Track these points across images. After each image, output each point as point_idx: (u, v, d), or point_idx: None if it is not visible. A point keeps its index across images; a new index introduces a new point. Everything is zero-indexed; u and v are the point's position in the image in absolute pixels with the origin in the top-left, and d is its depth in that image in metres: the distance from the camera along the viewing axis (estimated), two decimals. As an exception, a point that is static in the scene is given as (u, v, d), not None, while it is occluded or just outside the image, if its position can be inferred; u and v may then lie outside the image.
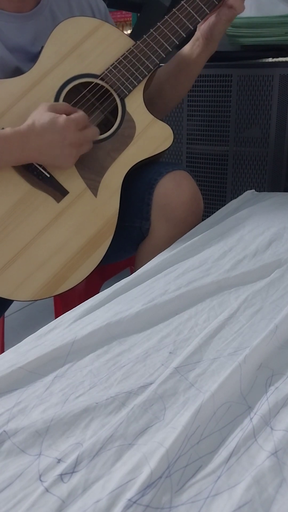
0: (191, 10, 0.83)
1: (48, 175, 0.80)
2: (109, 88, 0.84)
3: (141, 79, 0.84)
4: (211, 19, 0.85)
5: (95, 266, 0.82)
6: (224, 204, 0.97)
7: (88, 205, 0.82)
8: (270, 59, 1.14)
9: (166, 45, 0.84)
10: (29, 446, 0.39)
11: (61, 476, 0.35)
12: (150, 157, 0.85)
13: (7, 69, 0.82)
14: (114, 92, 0.84)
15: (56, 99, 0.82)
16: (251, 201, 0.97)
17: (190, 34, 0.87)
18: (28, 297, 0.80)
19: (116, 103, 0.84)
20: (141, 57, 0.83)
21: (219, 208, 0.94)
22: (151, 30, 0.83)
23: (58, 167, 0.80)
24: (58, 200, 0.81)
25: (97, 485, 0.35)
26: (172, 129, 0.85)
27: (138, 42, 0.84)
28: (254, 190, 1.04)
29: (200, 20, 0.84)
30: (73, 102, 0.82)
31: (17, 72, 0.82)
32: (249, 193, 1.00)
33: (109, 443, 0.38)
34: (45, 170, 0.80)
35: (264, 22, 1.13)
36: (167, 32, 0.83)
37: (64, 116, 0.75)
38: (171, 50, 0.84)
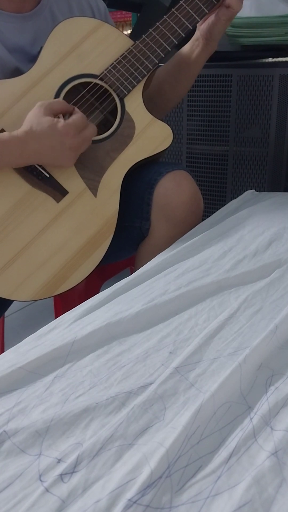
0: (190, 10, 0.83)
1: (48, 175, 0.80)
2: (108, 88, 0.84)
3: (141, 79, 0.84)
4: (211, 18, 0.85)
5: (95, 266, 0.82)
6: (224, 204, 0.97)
7: (88, 205, 0.82)
8: (270, 59, 1.14)
9: (165, 45, 0.84)
10: (29, 446, 0.39)
11: (61, 476, 0.35)
12: (149, 156, 0.85)
13: (7, 70, 0.82)
14: (113, 92, 0.84)
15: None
16: (251, 201, 0.97)
17: (190, 34, 0.87)
18: (28, 297, 0.80)
19: (116, 103, 0.84)
20: (140, 57, 0.83)
21: (219, 208, 0.94)
22: (150, 30, 0.83)
23: (58, 167, 0.80)
24: (58, 200, 0.81)
25: (97, 485, 0.34)
26: (172, 129, 0.85)
27: (137, 42, 0.84)
28: (254, 190, 1.04)
29: (199, 20, 0.84)
30: (73, 102, 0.82)
31: (17, 72, 0.82)
32: (249, 193, 1.00)
33: (109, 443, 0.38)
34: (45, 170, 0.80)
35: (264, 22, 1.13)
36: (166, 32, 0.83)
37: (62, 121, 0.75)
38: (170, 50, 0.84)
